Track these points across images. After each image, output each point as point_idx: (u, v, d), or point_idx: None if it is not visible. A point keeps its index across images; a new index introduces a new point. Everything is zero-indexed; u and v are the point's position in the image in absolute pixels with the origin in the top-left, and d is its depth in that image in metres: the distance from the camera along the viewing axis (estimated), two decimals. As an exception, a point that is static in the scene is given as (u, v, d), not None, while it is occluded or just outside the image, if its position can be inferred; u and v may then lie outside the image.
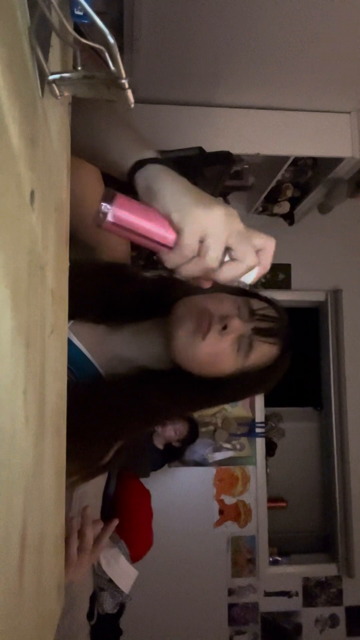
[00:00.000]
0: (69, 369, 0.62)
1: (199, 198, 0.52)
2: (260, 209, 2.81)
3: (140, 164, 0.57)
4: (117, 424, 0.78)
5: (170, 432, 2.58)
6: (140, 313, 0.82)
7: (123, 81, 0.35)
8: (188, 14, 1.54)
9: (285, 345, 0.81)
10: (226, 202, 2.72)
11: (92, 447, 0.76)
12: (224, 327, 0.73)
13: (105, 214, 0.49)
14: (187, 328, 0.74)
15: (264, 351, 0.77)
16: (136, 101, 0.39)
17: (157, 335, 0.80)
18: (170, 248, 0.51)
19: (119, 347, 0.82)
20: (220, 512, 2.87)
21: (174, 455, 2.69)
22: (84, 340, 0.80)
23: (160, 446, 2.61)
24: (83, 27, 0.40)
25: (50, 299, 0.39)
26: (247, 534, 2.87)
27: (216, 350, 0.74)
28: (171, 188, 0.53)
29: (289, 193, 2.62)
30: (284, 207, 2.74)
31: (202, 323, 0.73)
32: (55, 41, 0.38)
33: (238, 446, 2.93)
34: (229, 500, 2.88)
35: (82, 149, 0.64)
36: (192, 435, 2.63)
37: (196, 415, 2.89)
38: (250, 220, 2.91)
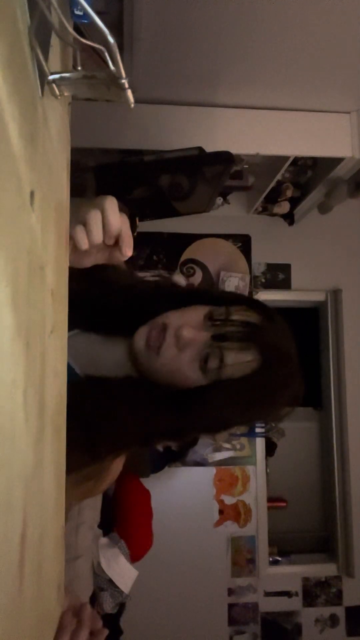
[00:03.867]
0: None
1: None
2: (260, 209, 2.81)
3: None
4: (92, 431, 0.68)
5: None
6: (123, 322, 0.77)
7: (123, 81, 0.35)
8: (188, 14, 1.54)
9: (269, 355, 0.70)
10: (226, 202, 2.72)
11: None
12: (178, 339, 0.68)
13: None
14: (141, 344, 0.71)
15: (234, 361, 0.68)
16: (136, 101, 0.39)
17: (126, 350, 0.76)
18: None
19: (102, 354, 0.78)
20: (220, 512, 2.87)
21: (175, 457, 2.69)
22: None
23: (159, 448, 2.61)
24: (83, 27, 0.40)
25: (50, 298, 0.39)
26: (247, 533, 2.87)
27: (172, 364, 0.69)
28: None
29: (289, 193, 2.62)
30: (284, 207, 2.74)
31: (151, 337, 0.70)
32: (55, 41, 0.38)
33: (238, 446, 2.93)
34: (228, 500, 2.88)
35: None
36: (191, 440, 2.62)
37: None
38: (250, 220, 2.91)
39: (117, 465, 0.78)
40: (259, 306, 0.76)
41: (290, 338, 0.75)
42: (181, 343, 0.68)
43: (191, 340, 0.68)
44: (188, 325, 0.69)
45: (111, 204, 0.61)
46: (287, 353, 0.73)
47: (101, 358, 0.77)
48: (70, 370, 0.71)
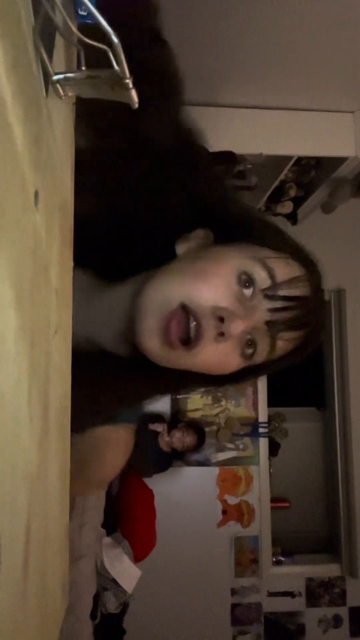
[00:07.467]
0: None
1: None
2: (264, 208, 2.80)
3: None
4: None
5: (178, 444, 2.58)
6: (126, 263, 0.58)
7: (127, 81, 0.35)
8: (191, 14, 1.54)
9: (316, 329, 0.58)
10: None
11: None
12: (221, 334, 0.50)
13: None
14: (155, 344, 0.51)
15: (282, 346, 0.56)
16: (139, 101, 0.39)
17: (128, 315, 0.55)
18: None
19: (90, 320, 0.59)
20: (224, 512, 2.87)
21: (179, 457, 2.70)
22: None
23: (166, 449, 2.61)
24: (86, 27, 0.40)
25: (55, 299, 0.39)
26: (251, 534, 2.87)
27: (208, 360, 0.53)
28: None
29: (292, 193, 2.62)
30: (287, 206, 2.74)
31: (172, 332, 0.50)
32: (59, 41, 0.38)
33: (241, 446, 2.93)
34: (232, 500, 2.88)
35: None
36: (199, 443, 2.63)
37: (198, 415, 2.89)
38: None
39: (112, 454, 0.67)
40: (301, 255, 0.59)
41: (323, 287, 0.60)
42: (225, 337, 0.51)
43: (239, 335, 0.52)
44: (232, 310, 0.51)
45: None
46: (324, 320, 0.62)
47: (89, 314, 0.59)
48: None
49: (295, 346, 0.57)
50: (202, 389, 0.67)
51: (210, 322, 0.50)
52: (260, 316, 0.53)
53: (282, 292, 0.53)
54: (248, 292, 0.52)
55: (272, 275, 0.53)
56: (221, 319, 0.50)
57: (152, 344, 0.51)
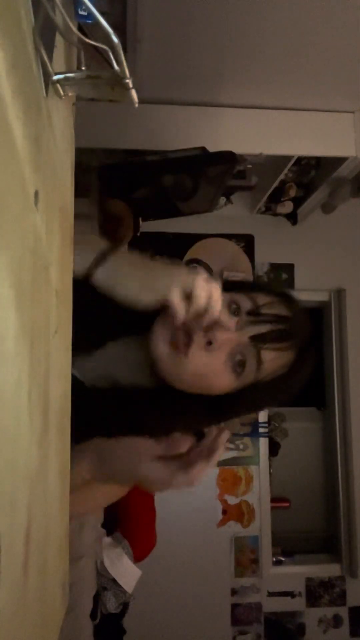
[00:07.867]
0: None
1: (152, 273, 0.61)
2: (264, 208, 2.80)
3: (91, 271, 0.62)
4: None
5: None
6: (120, 329, 0.71)
7: (127, 81, 0.35)
8: (191, 14, 1.54)
9: (303, 347, 0.68)
10: (229, 202, 2.71)
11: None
12: (209, 342, 0.61)
13: None
14: (163, 346, 0.62)
15: (272, 360, 0.64)
16: (139, 101, 0.39)
17: (141, 353, 0.68)
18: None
19: (102, 365, 0.70)
20: (224, 512, 2.87)
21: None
22: None
23: None
24: (86, 27, 0.40)
25: (55, 299, 0.39)
26: (251, 534, 2.87)
27: (203, 369, 0.62)
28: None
29: (293, 193, 2.62)
30: (288, 206, 2.74)
31: (177, 338, 0.61)
32: (59, 41, 0.38)
33: (241, 446, 2.92)
34: (232, 500, 2.88)
35: None
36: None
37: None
38: (253, 220, 2.91)
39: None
40: (278, 292, 0.70)
41: (307, 314, 0.72)
42: (214, 347, 0.61)
43: (226, 344, 0.62)
44: (220, 323, 0.61)
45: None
46: (312, 337, 0.71)
47: (115, 363, 0.71)
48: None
49: (286, 365, 0.66)
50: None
51: (203, 333, 0.61)
52: (246, 333, 0.63)
53: (263, 311, 0.65)
54: (236, 318, 0.64)
55: (254, 301, 0.65)
56: (208, 328, 0.61)
57: (162, 350, 0.62)
